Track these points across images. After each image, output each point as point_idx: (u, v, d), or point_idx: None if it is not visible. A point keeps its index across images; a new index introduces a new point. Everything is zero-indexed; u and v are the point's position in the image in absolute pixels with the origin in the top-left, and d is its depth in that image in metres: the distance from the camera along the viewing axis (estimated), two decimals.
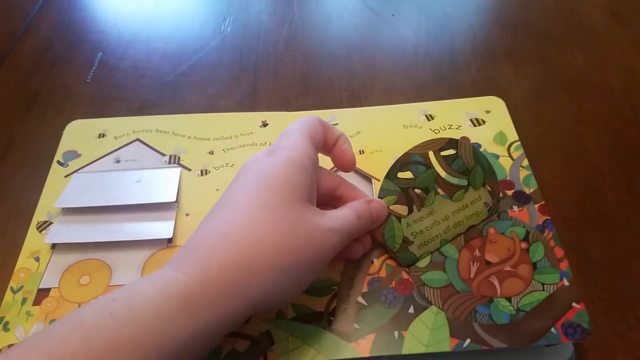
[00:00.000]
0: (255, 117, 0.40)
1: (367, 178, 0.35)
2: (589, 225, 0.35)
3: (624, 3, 0.52)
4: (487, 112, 0.39)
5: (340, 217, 0.27)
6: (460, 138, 0.31)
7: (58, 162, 0.37)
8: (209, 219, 0.26)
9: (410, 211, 0.31)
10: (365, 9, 0.52)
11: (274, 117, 0.40)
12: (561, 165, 0.38)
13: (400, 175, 0.30)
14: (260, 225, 0.24)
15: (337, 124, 0.39)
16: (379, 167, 0.35)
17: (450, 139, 0.31)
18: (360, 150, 0.37)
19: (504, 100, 0.40)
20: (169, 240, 0.32)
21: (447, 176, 0.31)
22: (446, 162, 0.31)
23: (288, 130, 0.29)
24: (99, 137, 0.38)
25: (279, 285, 0.24)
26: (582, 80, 0.45)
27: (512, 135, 0.37)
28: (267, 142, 0.38)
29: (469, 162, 0.32)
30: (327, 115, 0.40)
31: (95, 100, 0.42)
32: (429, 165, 0.31)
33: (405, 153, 0.31)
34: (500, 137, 0.37)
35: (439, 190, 0.31)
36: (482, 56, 0.47)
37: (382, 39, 0.48)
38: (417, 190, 0.31)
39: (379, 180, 0.35)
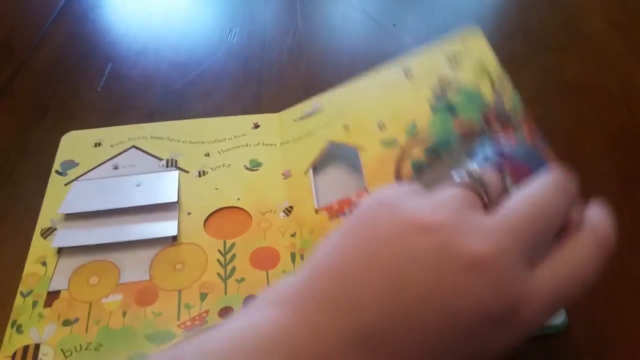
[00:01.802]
0: (247, 120, 0.41)
1: (353, 149, 0.35)
2: None
3: (620, 11, 0.53)
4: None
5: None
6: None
7: (57, 171, 0.38)
8: None
9: None
10: (367, 19, 0.53)
11: (265, 119, 0.41)
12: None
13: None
14: None
15: (322, 111, 0.39)
16: (363, 136, 0.35)
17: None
18: (345, 126, 0.37)
19: None
20: (174, 238, 0.34)
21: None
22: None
23: None
24: (95, 146, 0.39)
25: None
26: (580, 85, 0.46)
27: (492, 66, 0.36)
28: (260, 142, 0.39)
29: None
30: (310, 104, 0.40)
31: (105, 109, 0.43)
32: None
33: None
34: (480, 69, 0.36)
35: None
36: None
37: (384, 47, 0.50)
38: None
39: (364, 151, 0.35)
